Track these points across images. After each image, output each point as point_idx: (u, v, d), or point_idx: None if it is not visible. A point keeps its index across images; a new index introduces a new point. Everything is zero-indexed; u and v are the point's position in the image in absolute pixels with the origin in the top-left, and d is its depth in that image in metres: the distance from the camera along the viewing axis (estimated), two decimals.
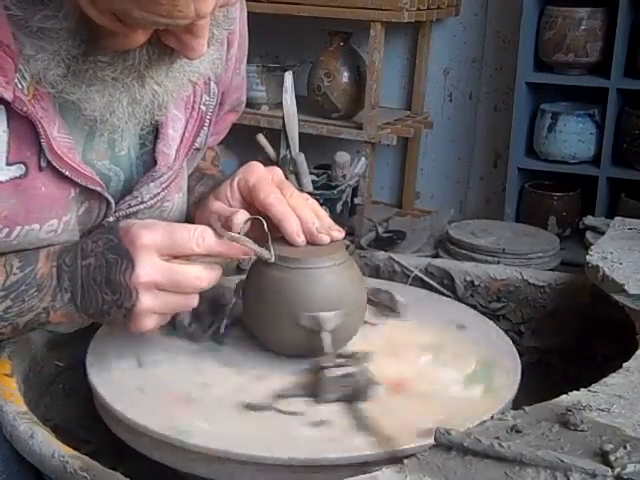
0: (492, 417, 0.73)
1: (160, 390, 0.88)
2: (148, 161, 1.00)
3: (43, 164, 0.88)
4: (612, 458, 0.64)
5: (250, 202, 0.97)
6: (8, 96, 0.82)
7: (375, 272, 1.23)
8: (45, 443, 0.78)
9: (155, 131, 0.99)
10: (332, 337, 0.88)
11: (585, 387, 0.77)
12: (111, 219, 0.97)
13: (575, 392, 0.76)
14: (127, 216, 0.97)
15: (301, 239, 0.93)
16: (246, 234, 0.89)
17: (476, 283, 1.19)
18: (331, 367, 0.85)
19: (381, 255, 1.25)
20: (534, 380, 1.00)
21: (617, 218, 1.26)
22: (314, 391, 0.85)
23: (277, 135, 1.94)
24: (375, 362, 0.93)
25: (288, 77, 1.84)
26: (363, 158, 2.22)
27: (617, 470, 0.63)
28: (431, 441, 0.69)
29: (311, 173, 1.90)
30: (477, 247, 1.88)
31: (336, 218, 1.04)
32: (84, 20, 0.79)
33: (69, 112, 0.89)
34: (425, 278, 1.21)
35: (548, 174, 2.68)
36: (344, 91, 2.78)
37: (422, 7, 2.72)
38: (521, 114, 2.66)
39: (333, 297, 0.90)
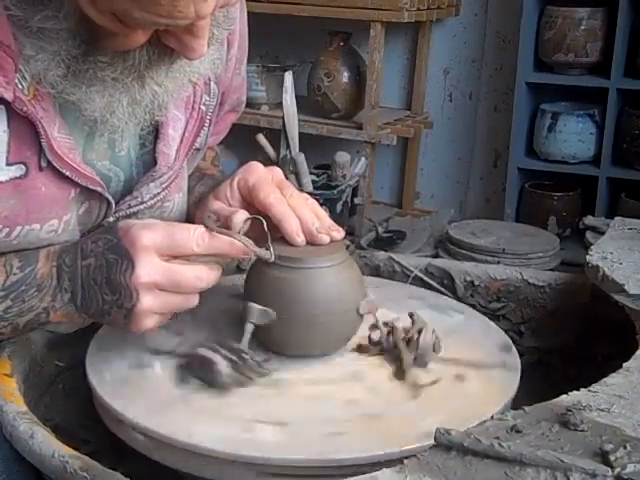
0: (492, 417, 0.73)
1: (160, 390, 0.88)
2: (148, 161, 1.00)
3: (43, 164, 0.88)
4: (612, 458, 0.64)
5: (250, 202, 0.97)
6: (8, 96, 0.82)
7: (375, 272, 1.24)
8: (45, 443, 0.78)
9: (155, 131, 0.99)
10: (329, 337, 0.88)
11: (585, 387, 0.77)
12: (111, 219, 0.97)
13: (575, 392, 0.76)
14: (127, 216, 0.97)
15: (301, 239, 0.93)
16: (246, 234, 0.89)
17: (476, 283, 1.19)
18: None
19: (381, 255, 1.25)
20: (534, 380, 1.00)
21: (617, 218, 1.26)
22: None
23: (277, 135, 1.94)
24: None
25: (288, 77, 1.83)
26: (363, 158, 2.22)
27: (617, 470, 0.63)
28: (431, 441, 0.69)
29: (311, 173, 1.90)
30: (477, 247, 1.88)
31: (336, 218, 1.05)
32: (84, 20, 0.79)
33: (69, 112, 0.89)
34: (425, 278, 1.21)
35: (548, 174, 2.68)
36: (344, 91, 2.78)
37: (422, 7, 2.72)
38: (521, 114, 2.65)
39: (333, 297, 0.90)
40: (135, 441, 0.84)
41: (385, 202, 3.16)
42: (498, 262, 1.75)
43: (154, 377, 0.90)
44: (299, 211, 0.94)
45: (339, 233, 0.95)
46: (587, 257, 1.10)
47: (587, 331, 1.12)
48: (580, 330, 1.13)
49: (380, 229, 2.08)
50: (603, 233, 1.21)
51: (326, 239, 0.94)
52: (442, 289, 1.20)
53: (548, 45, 2.60)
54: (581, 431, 0.69)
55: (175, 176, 1.01)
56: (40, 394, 1.00)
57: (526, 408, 0.74)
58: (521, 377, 0.92)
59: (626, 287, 1.00)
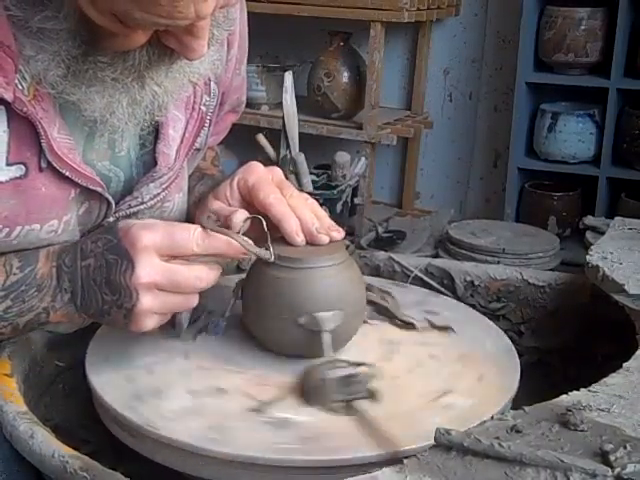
0: (492, 417, 0.73)
1: (160, 390, 0.88)
2: (148, 161, 1.00)
3: (43, 165, 0.88)
4: (612, 458, 0.64)
5: (250, 202, 0.97)
6: (8, 97, 0.82)
7: (375, 272, 1.24)
8: (45, 443, 0.78)
9: (155, 131, 0.99)
10: (332, 337, 0.88)
11: (585, 387, 0.77)
12: (111, 219, 0.97)
13: (575, 392, 0.76)
14: (127, 216, 0.97)
15: (300, 239, 0.93)
16: (246, 234, 0.89)
17: (476, 283, 1.19)
18: (332, 369, 0.85)
19: (381, 255, 1.25)
20: (534, 380, 1.00)
21: (617, 218, 1.26)
22: (315, 394, 0.85)
23: (277, 135, 1.94)
24: (374, 362, 0.93)
25: (288, 77, 1.83)
26: (363, 158, 2.22)
27: (617, 470, 0.63)
28: (431, 441, 0.69)
29: (311, 173, 1.90)
30: (477, 247, 1.88)
31: (336, 218, 1.05)
32: (84, 21, 0.79)
33: (69, 113, 0.89)
34: (425, 278, 1.21)
35: (548, 174, 2.68)
36: (344, 91, 2.79)
37: (422, 7, 2.73)
38: (521, 114, 2.66)
39: (333, 297, 0.90)
40: (134, 442, 0.84)
41: (385, 202, 3.16)
42: (498, 262, 1.75)
43: (154, 377, 0.90)
44: (299, 211, 0.94)
45: (339, 233, 0.95)
46: (587, 257, 1.10)
47: (587, 331, 1.12)
48: (580, 330, 1.13)
49: (380, 229, 2.08)
50: (603, 233, 1.21)
51: (326, 239, 0.94)
52: (442, 289, 1.20)
53: (548, 45, 2.60)
54: (581, 431, 0.69)
55: (175, 176, 1.02)
56: (40, 394, 1.00)
57: (526, 408, 0.74)
58: (521, 377, 0.92)
59: (626, 287, 1.00)
